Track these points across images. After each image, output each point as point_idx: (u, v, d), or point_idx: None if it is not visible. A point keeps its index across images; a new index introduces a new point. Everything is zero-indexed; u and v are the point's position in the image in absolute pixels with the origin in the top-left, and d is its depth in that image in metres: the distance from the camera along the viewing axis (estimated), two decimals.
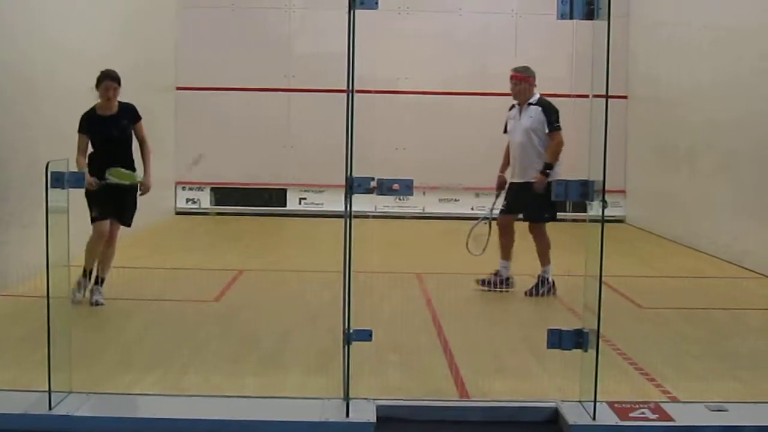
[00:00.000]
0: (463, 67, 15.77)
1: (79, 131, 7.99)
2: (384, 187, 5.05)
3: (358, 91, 4.93)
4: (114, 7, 11.91)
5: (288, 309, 8.04)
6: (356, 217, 5.04)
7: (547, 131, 8.78)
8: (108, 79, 8.09)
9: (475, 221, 9.25)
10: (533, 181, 8.65)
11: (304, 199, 16.04)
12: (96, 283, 8.02)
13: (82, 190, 5.30)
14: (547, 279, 8.86)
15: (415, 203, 15.73)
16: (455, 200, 16.24)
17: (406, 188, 5.18)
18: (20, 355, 6.20)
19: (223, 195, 15.95)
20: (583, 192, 5.01)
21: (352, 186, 4.97)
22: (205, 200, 15.92)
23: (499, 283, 8.85)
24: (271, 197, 15.96)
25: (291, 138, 15.78)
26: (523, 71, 8.89)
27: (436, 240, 13.47)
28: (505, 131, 9.16)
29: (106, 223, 7.98)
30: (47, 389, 4.94)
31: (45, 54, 9.38)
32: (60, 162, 4.95)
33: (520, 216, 9.02)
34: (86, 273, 7.97)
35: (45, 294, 4.88)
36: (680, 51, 13.25)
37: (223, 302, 8.27)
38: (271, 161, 15.80)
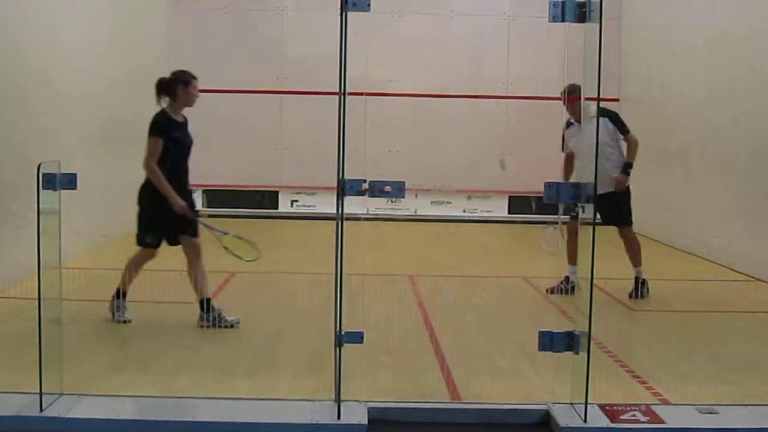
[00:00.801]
0: (455, 70, 15.78)
1: (156, 135, 7.24)
2: (376, 189, 5.06)
3: (350, 94, 4.93)
4: (107, 8, 11.89)
5: (280, 311, 8.04)
6: (348, 219, 5.05)
7: (621, 138, 8.98)
8: (195, 80, 7.51)
9: (546, 225, 9.57)
10: (613, 190, 8.82)
11: (296, 201, 16.04)
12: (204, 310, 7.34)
13: (73, 192, 5.15)
14: (644, 279, 9.04)
15: (407, 205, 15.73)
16: (447, 203, 16.26)
17: (398, 190, 5.18)
18: (12, 357, 6.19)
19: (215, 197, 15.93)
20: (575, 194, 5.02)
21: (344, 188, 4.98)
22: (197, 202, 15.87)
23: (571, 289, 8.81)
24: (263, 199, 15.96)
25: (283, 140, 15.79)
26: (579, 91, 8.89)
27: (429, 242, 13.49)
28: (563, 149, 9.17)
29: (156, 251, 7.50)
30: (39, 391, 4.93)
31: (37, 56, 9.37)
32: (52, 164, 4.95)
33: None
34: (119, 293, 7.47)
35: (36, 295, 4.88)
36: (673, 53, 13.27)
37: (215, 304, 8.26)
38: (263, 163, 15.80)
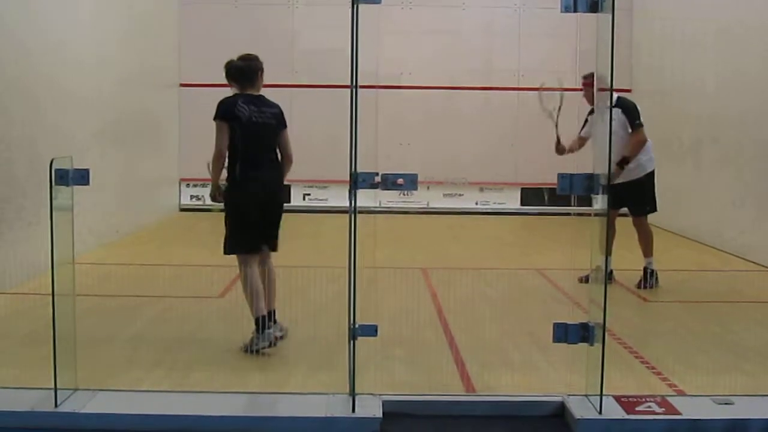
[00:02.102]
0: (466, 62, 15.77)
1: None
2: (388, 182, 5.05)
3: (362, 87, 4.92)
4: (118, 3, 11.91)
5: (293, 304, 8.03)
6: (361, 212, 5.04)
7: (630, 131, 8.85)
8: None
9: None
10: (633, 179, 8.90)
11: (309, 194, 16.05)
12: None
13: (85, 188, 5.04)
14: (653, 270, 9.01)
15: (419, 198, 15.73)
16: (459, 195, 16.25)
17: (410, 183, 5.18)
18: (26, 353, 6.21)
19: None
20: (588, 186, 5.00)
21: (357, 181, 4.97)
22: (209, 197, 15.89)
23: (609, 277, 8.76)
24: None
25: (295, 134, 15.72)
26: (590, 77, 8.87)
27: (441, 235, 13.47)
28: (581, 132, 9.36)
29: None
30: (53, 386, 4.95)
31: (45, 55, 9.39)
32: (64, 159, 4.95)
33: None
34: (259, 323, 6.45)
35: (50, 291, 4.88)
36: (684, 44, 13.21)
37: (228, 298, 8.27)
38: None
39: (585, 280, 8.81)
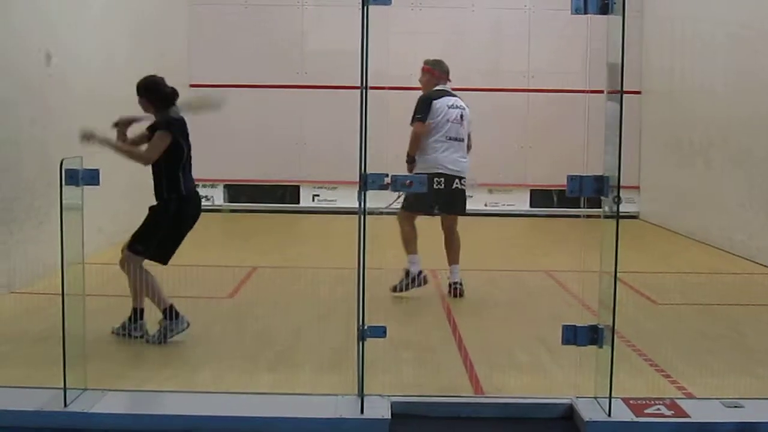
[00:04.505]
0: (476, 63, 15.72)
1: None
2: (398, 183, 5.05)
3: (372, 88, 4.92)
4: (127, 4, 11.92)
5: (302, 305, 8.05)
6: (370, 213, 5.04)
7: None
8: None
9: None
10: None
11: (318, 195, 16.05)
12: None
13: (96, 189, 5.08)
14: (409, 270, 8.52)
15: None
16: (468, 196, 16.20)
17: (419, 184, 5.18)
18: (36, 352, 6.23)
19: (237, 192, 15.98)
20: (598, 187, 5.00)
21: (366, 182, 4.97)
22: (218, 197, 15.94)
23: (411, 282, 8.48)
24: (285, 194, 15.97)
25: (304, 135, 15.79)
26: (431, 63, 8.79)
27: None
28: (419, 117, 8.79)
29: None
30: (62, 386, 4.95)
31: (57, 54, 9.40)
32: (74, 159, 4.96)
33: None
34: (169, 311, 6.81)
35: (60, 291, 4.89)
36: (694, 46, 13.19)
37: (237, 299, 8.28)
38: (284, 158, 15.80)
39: (398, 289, 8.50)
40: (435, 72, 8.84)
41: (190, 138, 6.80)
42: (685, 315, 8.00)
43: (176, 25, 15.04)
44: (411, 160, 8.55)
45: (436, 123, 8.48)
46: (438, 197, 8.33)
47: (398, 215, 8.57)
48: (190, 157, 6.79)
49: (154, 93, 6.89)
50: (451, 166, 8.49)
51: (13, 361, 6.09)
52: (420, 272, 8.41)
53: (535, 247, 12.81)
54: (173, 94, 6.94)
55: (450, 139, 8.53)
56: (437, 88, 8.71)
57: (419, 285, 8.35)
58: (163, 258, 6.86)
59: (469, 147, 8.83)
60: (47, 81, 9.17)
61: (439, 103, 8.55)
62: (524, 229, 15.19)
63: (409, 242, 8.53)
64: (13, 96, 8.45)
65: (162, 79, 6.99)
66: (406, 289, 8.40)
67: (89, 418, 4.90)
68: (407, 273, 8.46)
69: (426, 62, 8.86)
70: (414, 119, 8.53)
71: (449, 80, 8.86)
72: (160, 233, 6.74)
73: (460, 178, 8.57)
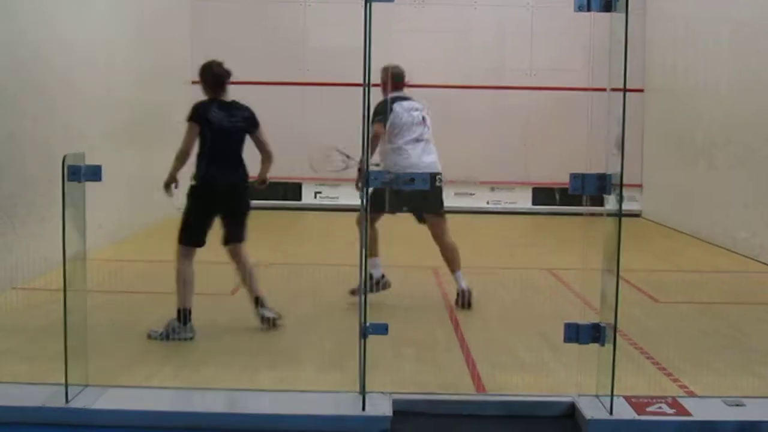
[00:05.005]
0: (478, 61, 15.74)
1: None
2: (400, 181, 5.05)
3: (374, 85, 4.92)
4: (130, 1, 11.92)
5: (303, 302, 8.04)
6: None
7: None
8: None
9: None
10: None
11: (320, 193, 16.05)
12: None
13: (97, 186, 5.09)
14: (371, 274, 8.14)
15: None
16: (470, 194, 16.23)
17: (422, 182, 5.18)
18: (37, 348, 6.22)
19: None
20: (600, 185, 4.99)
21: (369, 179, 4.96)
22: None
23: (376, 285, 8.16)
24: (287, 191, 15.96)
25: (306, 132, 15.78)
26: (385, 71, 8.71)
27: (452, 234, 13.42)
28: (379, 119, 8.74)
29: None
30: (64, 382, 4.96)
31: (60, 51, 9.41)
32: (77, 155, 4.96)
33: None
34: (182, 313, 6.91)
35: (61, 287, 4.89)
36: (697, 44, 13.19)
37: (239, 296, 8.27)
38: (285, 155, 15.74)
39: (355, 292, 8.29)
40: (389, 81, 8.74)
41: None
42: (687, 313, 8.00)
43: (179, 21, 15.04)
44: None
45: (401, 126, 8.43)
46: (410, 197, 8.14)
47: (358, 218, 8.33)
48: (219, 142, 7.03)
49: (202, 78, 7.23)
50: (425, 167, 8.38)
51: (14, 357, 6.08)
52: (382, 276, 8.26)
53: (537, 245, 12.80)
54: (217, 78, 7.22)
55: (418, 140, 8.50)
56: (393, 94, 8.64)
57: (383, 288, 8.17)
58: (192, 240, 7.04)
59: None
60: (50, 78, 9.17)
61: (399, 107, 8.49)
62: (526, 227, 15.20)
63: (371, 245, 8.28)
64: (16, 92, 8.45)
65: (211, 63, 7.32)
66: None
67: (91, 415, 4.91)
68: (370, 276, 8.28)
69: (383, 69, 8.72)
70: (374, 121, 8.33)
71: (404, 85, 8.75)
72: (186, 218, 7.06)
73: (436, 174, 8.47)
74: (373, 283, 8.10)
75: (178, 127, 7.01)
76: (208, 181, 7.00)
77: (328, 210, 15.55)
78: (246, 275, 7.15)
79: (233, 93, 7.15)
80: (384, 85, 8.46)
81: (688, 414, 5.01)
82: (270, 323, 6.99)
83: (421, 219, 8.48)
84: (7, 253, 8.27)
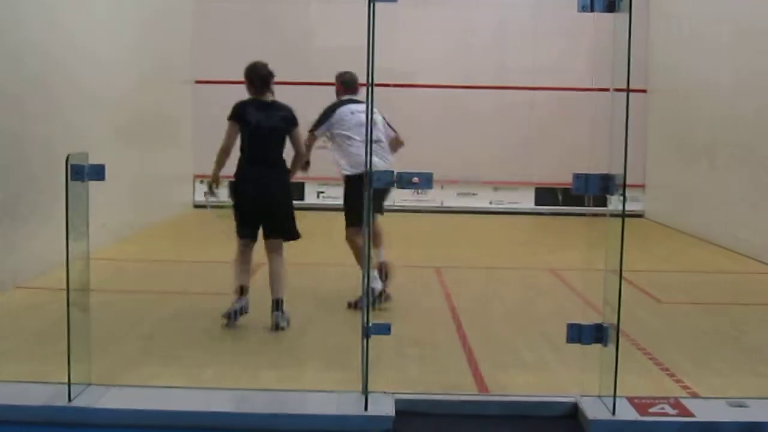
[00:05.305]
0: (481, 61, 15.74)
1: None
2: (404, 181, 5.05)
3: (377, 85, 4.92)
4: (132, 4, 11.93)
5: (306, 302, 8.04)
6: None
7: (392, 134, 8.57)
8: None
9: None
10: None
11: (323, 192, 16.04)
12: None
13: (100, 184, 5.09)
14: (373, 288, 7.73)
15: (433, 197, 15.71)
16: (473, 194, 16.23)
17: (426, 181, 5.17)
18: (40, 347, 6.23)
19: None
20: (604, 186, 4.99)
21: (372, 179, 4.96)
22: (223, 194, 15.90)
23: (378, 298, 7.97)
24: None
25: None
26: (337, 78, 8.70)
27: (455, 234, 13.46)
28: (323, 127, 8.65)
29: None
30: (67, 381, 4.96)
31: (63, 50, 9.42)
32: (80, 155, 4.96)
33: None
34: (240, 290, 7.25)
35: (65, 287, 4.90)
36: (700, 44, 13.18)
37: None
38: (288, 154, 15.78)
39: (354, 305, 7.88)
40: (339, 87, 8.73)
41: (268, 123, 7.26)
42: (689, 314, 8.00)
43: (181, 20, 15.05)
44: (306, 165, 8.35)
45: (350, 127, 8.41)
46: (377, 196, 8.01)
47: (347, 236, 8.23)
48: (256, 141, 7.21)
49: (247, 77, 7.36)
50: (379, 166, 8.29)
51: (17, 356, 6.10)
52: (383, 290, 8.01)
53: (539, 245, 12.79)
54: (261, 78, 7.38)
55: (365, 141, 8.41)
56: (344, 97, 8.62)
57: (385, 301, 7.97)
58: (241, 234, 7.32)
59: (401, 143, 8.68)
60: (54, 78, 9.17)
61: (344, 110, 8.44)
62: (529, 227, 15.19)
63: (360, 256, 8.16)
64: (19, 91, 8.46)
65: (256, 63, 7.43)
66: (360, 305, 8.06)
67: (94, 414, 4.91)
68: (372, 290, 8.16)
69: (336, 76, 8.72)
70: (312, 126, 8.46)
71: (356, 90, 8.68)
72: (234, 213, 7.39)
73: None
74: (375, 297, 8.05)
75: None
76: (244, 179, 7.23)
77: (330, 210, 15.53)
78: (271, 274, 7.30)
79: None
80: (337, 91, 8.55)
81: (691, 415, 5.00)
82: (277, 330, 7.00)
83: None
84: (11, 252, 8.28)
